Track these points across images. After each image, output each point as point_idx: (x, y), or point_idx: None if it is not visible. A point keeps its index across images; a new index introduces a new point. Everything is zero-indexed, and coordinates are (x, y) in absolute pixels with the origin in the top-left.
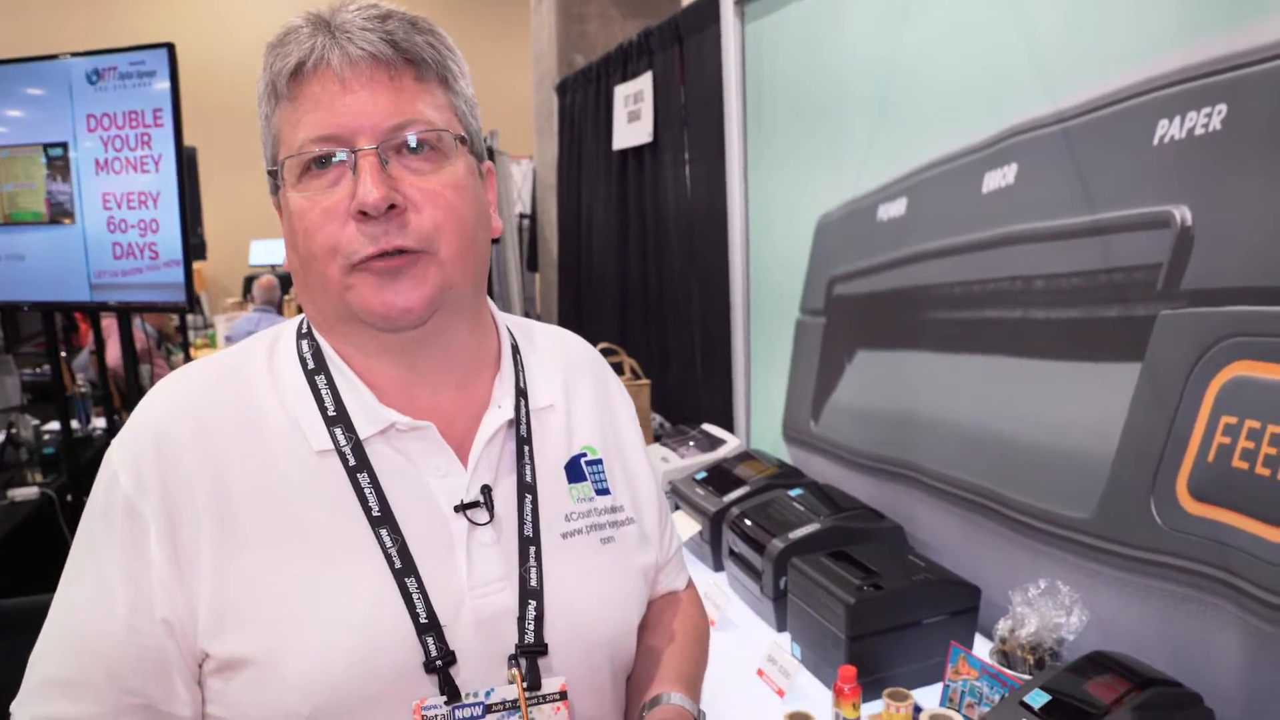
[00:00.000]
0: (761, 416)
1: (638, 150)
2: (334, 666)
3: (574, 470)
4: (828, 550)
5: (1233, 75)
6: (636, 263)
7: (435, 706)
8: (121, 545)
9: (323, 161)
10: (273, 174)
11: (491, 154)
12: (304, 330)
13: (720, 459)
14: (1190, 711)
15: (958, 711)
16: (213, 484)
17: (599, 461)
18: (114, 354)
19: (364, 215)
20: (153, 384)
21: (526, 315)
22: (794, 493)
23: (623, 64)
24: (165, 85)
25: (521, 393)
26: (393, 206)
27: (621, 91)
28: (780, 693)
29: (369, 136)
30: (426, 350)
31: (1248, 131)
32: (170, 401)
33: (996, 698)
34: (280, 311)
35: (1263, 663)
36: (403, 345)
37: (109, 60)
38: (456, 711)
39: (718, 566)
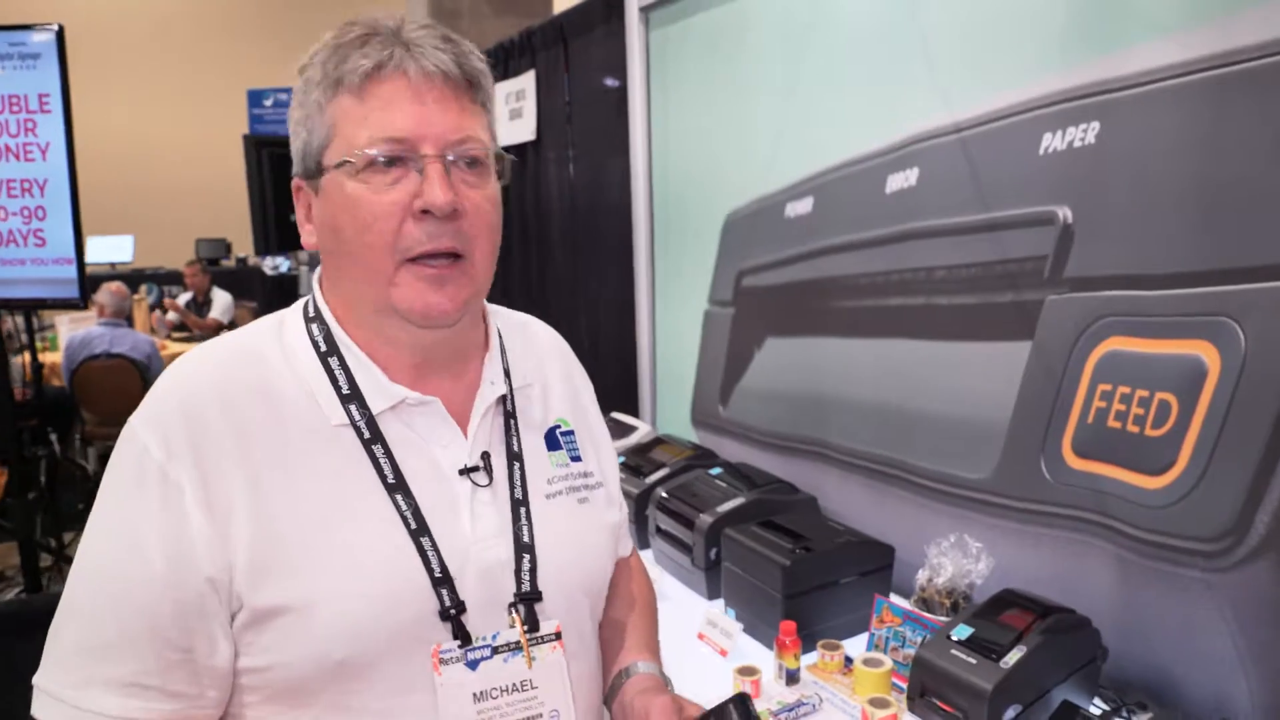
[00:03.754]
0: (667, 403)
1: (519, 147)
2: (362, 616)
3: (551, 440)
4: (755, 521)
5: (1105, 98)
6: (520, 258)
7: (450, 650)
8: (158, 507)
9: (389, 160)
10: (316, 159)
11: None
12: (311, 314)
13: (635, 444)
14: (1082, 632)
15: (884, 653)
16: (239, 450)
17: (571, 432)
18: None
19: (425, 214)
20: None
21: None
22: (714, 471)
23: (504, 61)
24: (54, 70)
25: (506, 373)
26: (453, 210)
27: (503, 89)
28: (724, 653)
29: (434, 145)
30: (439, 341)
31: (1117, 145)
32: (191, 377)
33: (919, 639)
34: (131, 322)
35: (1133, 587)
36: (422, 337)
37: None
38: (469, 654)
39: (643, 545)
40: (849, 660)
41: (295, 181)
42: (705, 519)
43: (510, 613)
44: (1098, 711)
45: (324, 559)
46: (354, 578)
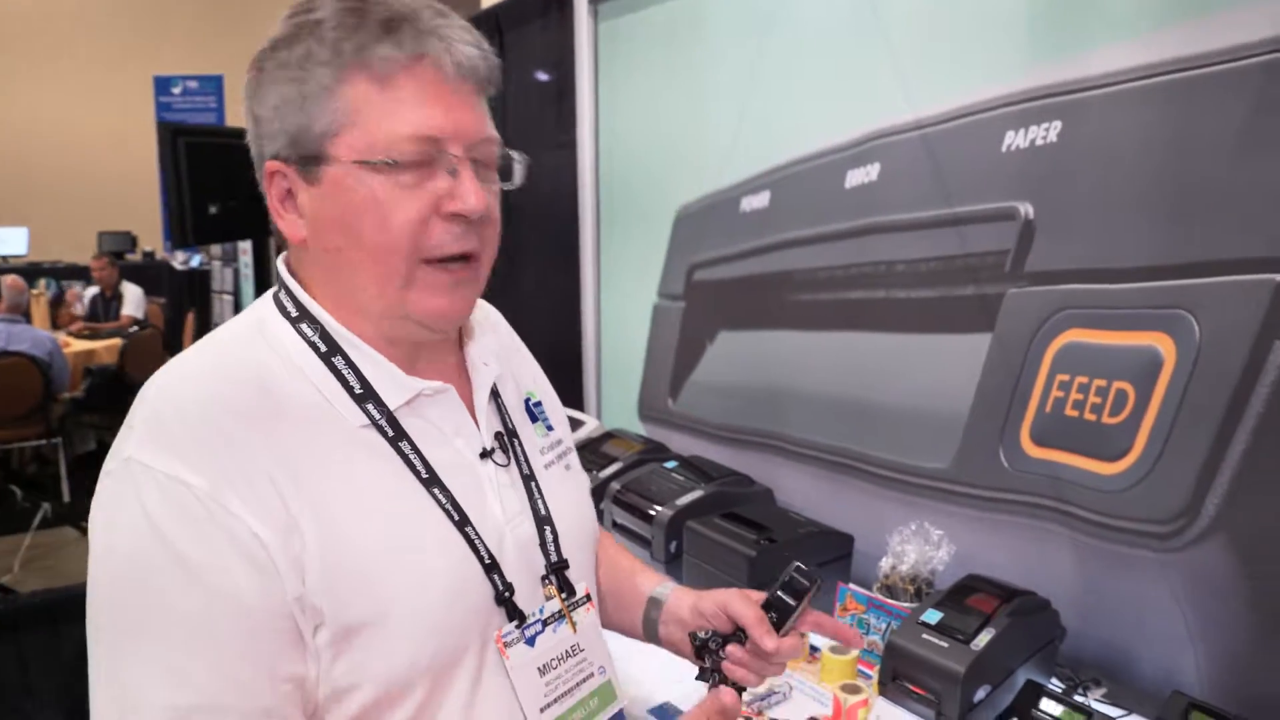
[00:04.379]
0: (612, 397)
1: None
2: (436, 615)
3: (530, 413)
4: (715, 513)
5: (1066, 99)
6: None
7: (511, 631)
8: (221, 537)
9: (420, 159)
10: (318, 144)
11: None
12: (294, 313)
13: (585, 439)
14: (1044, 613)
15: None
16: (275, 462)
17: (540, 403)
18: None
19: (456, 217)
20: None
21: None
22: (669, 465)
23: None
24: None
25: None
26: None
27: None
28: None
29: (462, 145)
30: (435, 339)
31: (1077, 144)
32: (195, 391)
33: (883, 626)
34: (29, 318)
35: (1089, 569)
36: (422, 334)
37: None
38: (526, 631)
39: None
40: (815, 649)
41: (272, 165)
42: (665, 512)
43: (544, 584)
44: (1056, 689)
45: (391, 566)
46: (421, 580)
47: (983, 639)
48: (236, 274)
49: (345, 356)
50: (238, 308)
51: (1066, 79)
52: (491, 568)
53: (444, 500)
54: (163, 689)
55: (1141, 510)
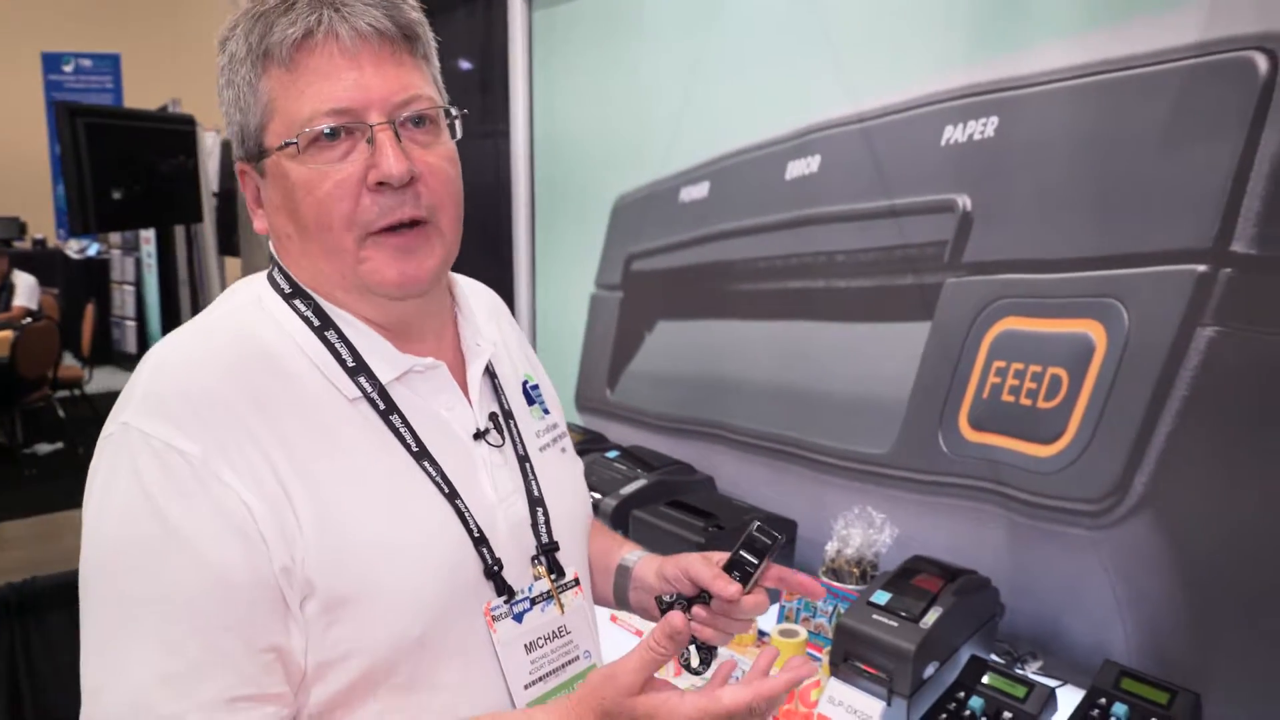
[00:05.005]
0: None
1: None
2: (427, 586)
3: (527, 396)
4: (660, 502)
5: (1003, 95)
6: None
7: (499, 606)
8: (208, 504)
9: (334, 133)
10: (256, 140)
11: (192, 122)
12: (287, 290)
13: None
14: (985, 591)
15: (795, 624)
16: (270, 434)
17: (537, 386)
18: None
19: (381, 186)
20: None
21: None
22: (611, 455)
23: None
24: None
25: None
26: (411, 178)
27: None
28: (639, 633)
29: (380, 110)
30: (415, 310)
31: (1013, 139)
32: (185, 362)
33: (830, 609)
34: None
35: (1025, 547)
36: (401, 310)
37: None
38: (514, 607)
39: None
40: (762, 634)
41: (238, 165)
42: (609, 502)
43: (534, 565)
44: (998, 664)
45: (381, 538)
46: (409, 550)
47: (930, 617)
48: (139, 263)
49: (338, 330)
50: (140, 299)
51: (1003, 76)
52: (481, 541)
53: (434, 474)
54: (148, 654)
55: (1074, 490)
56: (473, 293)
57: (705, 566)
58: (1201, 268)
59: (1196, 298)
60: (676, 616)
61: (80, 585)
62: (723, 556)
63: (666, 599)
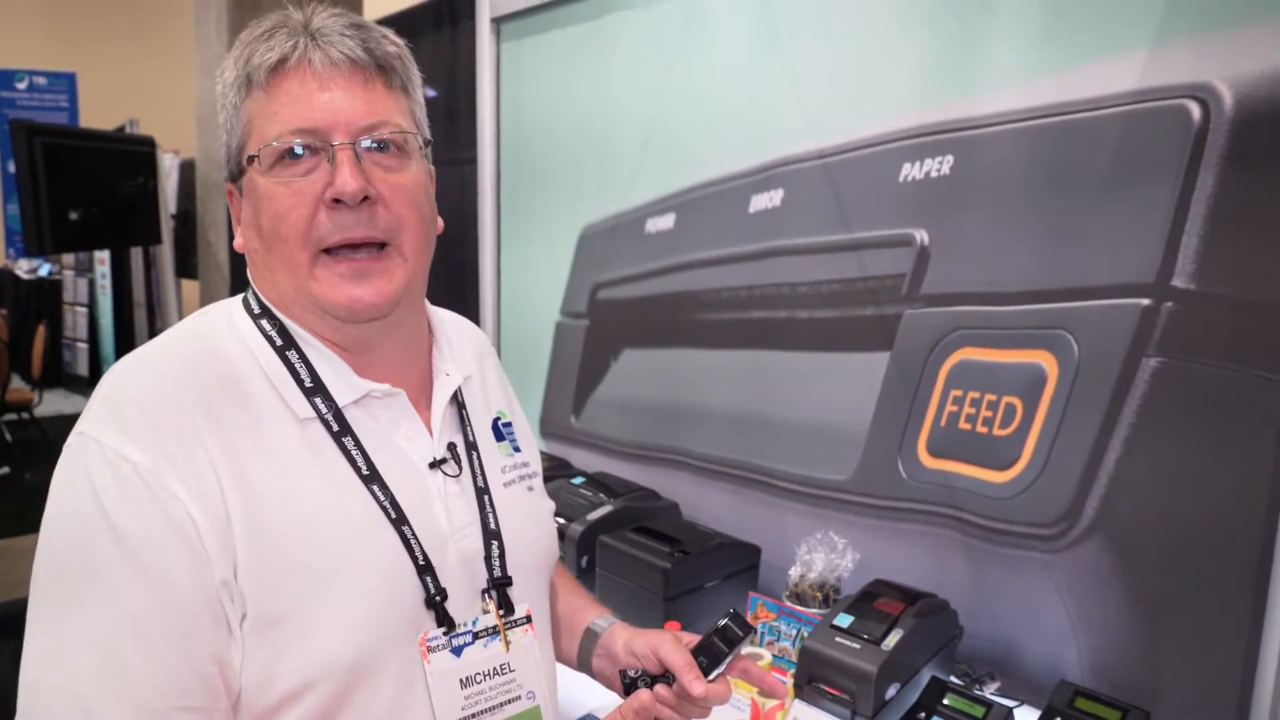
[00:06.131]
0: None
1: None
2: (366, 612)
3: (496, 431)
4: (626, 528)
5: (958, 135)
6: None
7: (436, 637)
8: (157, 515)
9: (297, 152)
10: (237, 159)
11: (152, 144)
12: (256, 310)
13: None
14: (944, 613)
15: (761, 648)
16: (219, 450)
17: (510, 424)
18: None
19: (337, 203)
20: None
21: None
22: (577, 481)
23: None
24: None
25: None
26: (366, 198)
27: None
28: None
29: (344, 133)
30: (380, 337)
31: (969, 177)
32: (145, 375)
33: (794, 632)
34: None
35: (982, 571)
36: (359, 332)
37: None
38: (452, 640)
39: None
40: None
41: (227, 186)
42: (576, 528)
43: (483, 598)
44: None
45: (319, 560)
46: (349, 574)
47: (892, 639)
48: (92, 285)
49: (299, 351)
50: (93, 321)
51: (958, 117)
52: (425, 570)
53: (382, 498)
54: (89, 656)
55: (1029, 514)
56: (458, 330)
57: (677, 652)
58: (1145, 301)
59: (1142, 330)
60: (645, 695)
61: (30, 586)
62: (692, 639)
63: (631, 674)
